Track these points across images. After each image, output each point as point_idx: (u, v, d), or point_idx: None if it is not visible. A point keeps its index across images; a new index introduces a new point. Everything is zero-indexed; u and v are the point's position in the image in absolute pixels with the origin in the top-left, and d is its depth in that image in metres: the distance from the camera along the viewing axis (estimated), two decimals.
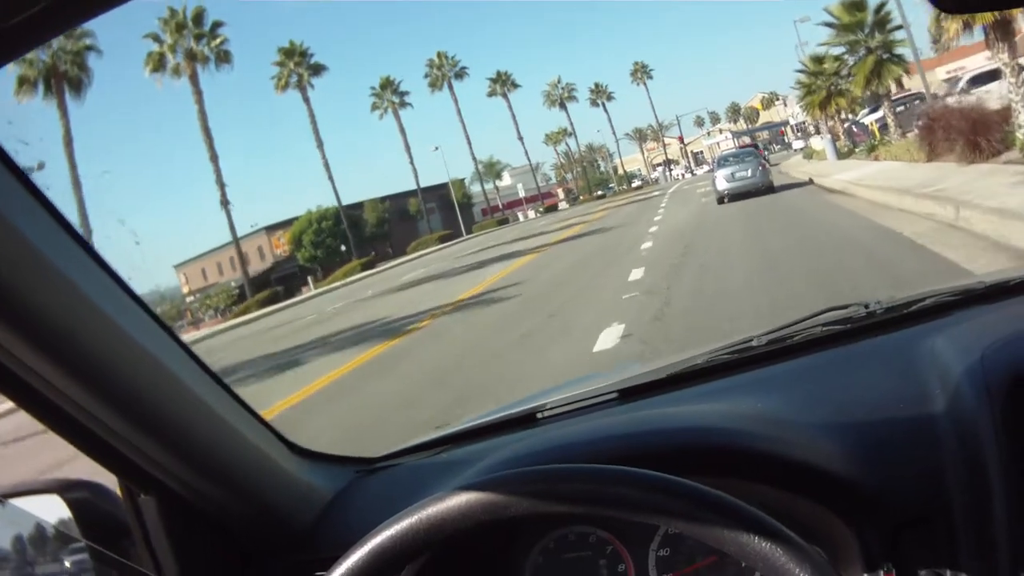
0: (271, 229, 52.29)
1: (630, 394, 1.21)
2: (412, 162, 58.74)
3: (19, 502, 0.99)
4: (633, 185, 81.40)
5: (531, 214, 63.28)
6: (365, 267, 43.13)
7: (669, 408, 1.10)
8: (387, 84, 61.17)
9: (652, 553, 1.00)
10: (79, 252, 0.78)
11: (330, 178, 50.68)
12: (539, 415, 1.25)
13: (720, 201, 19.97)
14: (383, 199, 56.82)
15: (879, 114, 24.60)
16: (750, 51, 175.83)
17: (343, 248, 48.97)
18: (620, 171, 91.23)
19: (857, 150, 24.82)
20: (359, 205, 55.06)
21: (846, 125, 30.02)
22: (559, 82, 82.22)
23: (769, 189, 19.37)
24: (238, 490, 0.96)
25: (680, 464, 0.82)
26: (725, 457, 0.92)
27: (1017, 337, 0.92)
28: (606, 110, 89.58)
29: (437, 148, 71.04)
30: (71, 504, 0.96)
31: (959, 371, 0.90)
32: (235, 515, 0.98)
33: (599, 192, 79.53)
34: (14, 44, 0.59)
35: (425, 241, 52.72)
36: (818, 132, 35.23)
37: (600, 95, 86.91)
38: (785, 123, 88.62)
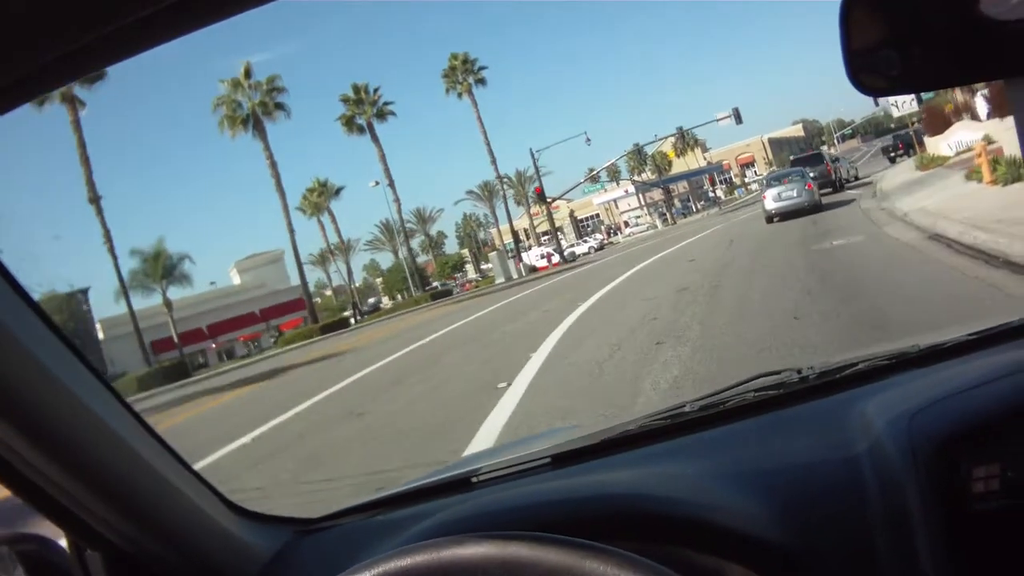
0: None
1: (563, 460, 1.22)
2: None
3: None
4: (464, 279, 48.13)
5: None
6: None
7: (602, 474, 1.12)
8: None
9: None
10: (24, 309, 0.80)
11: None
12: (474, 479, 1.25)
13: (769, 220, 19.17)
14: None
15: None
16: (655, 81, 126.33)
17: None
18: (412, 261, 49.82)
19: None
20: None
21: None
22: (247, 78, 39.23)
23: (816, 208, 18.57)
24: (179, 547, 0.99)
25: (613, 531, 0.87)
26: (657, 523, 0.94)
27: (942, 402, 0.94)
28: (375, 136, 42.87)
29: None
30: (20, 556, 0.99)
31: (887, 435, 0.93)
32: (177, 572, 0.99)
33: (367, 306, 44.37)
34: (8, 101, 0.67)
35: None
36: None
37: (361, 110, 42.30)
38: (713, 168, 63.10)
